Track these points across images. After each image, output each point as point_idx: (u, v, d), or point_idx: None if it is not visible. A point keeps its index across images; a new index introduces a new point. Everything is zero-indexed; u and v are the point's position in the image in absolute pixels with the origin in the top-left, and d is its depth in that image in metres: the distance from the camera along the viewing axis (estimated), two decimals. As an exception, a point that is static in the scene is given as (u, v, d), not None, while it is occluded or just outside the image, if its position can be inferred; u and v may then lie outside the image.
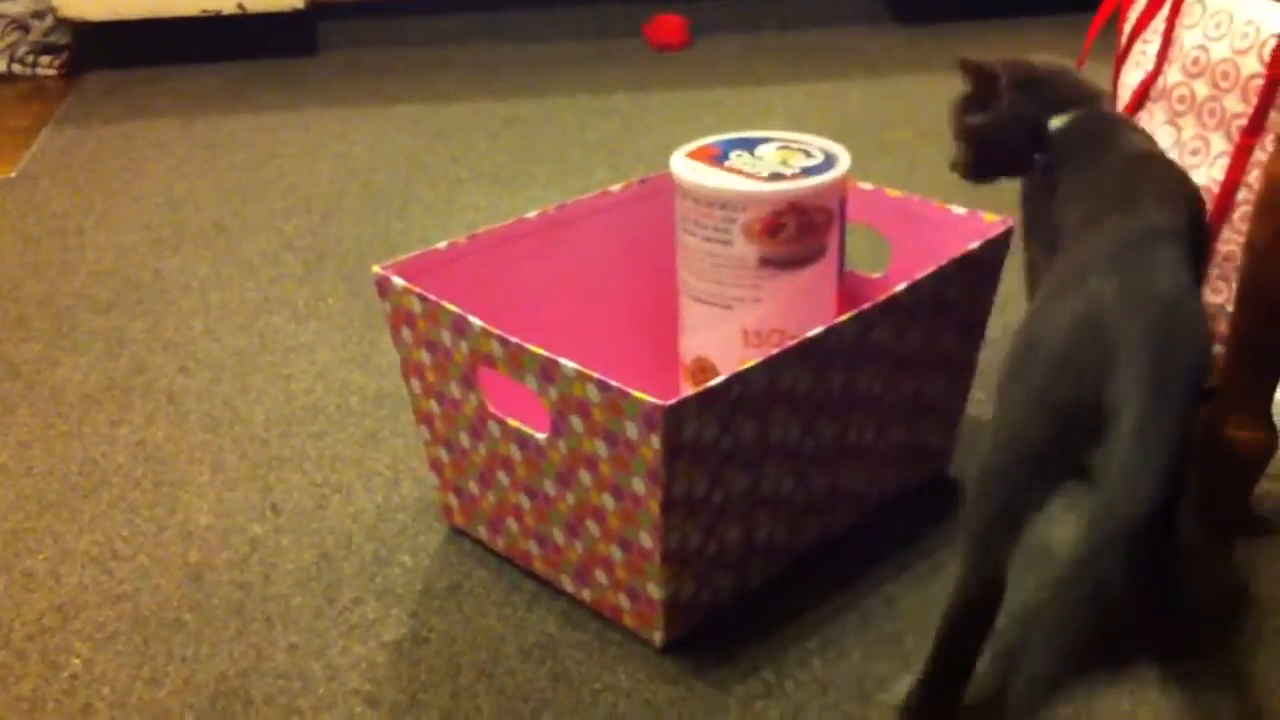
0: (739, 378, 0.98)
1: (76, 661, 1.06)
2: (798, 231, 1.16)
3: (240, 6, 2.55)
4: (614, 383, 0.96)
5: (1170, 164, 1.13)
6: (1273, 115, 1.21)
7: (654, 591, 1.03)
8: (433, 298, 1.08)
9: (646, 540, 1.00)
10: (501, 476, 1.11)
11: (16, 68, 2.65)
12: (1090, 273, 0.93)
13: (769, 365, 1.00)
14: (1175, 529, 1.08)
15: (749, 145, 1.23)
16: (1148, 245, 0.96)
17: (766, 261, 1.17)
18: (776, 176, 1.16)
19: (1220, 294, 1.26)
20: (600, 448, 0.99)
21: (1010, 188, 1.25)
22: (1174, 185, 1.06)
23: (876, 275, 1.31)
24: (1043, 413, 0.91)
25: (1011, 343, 0.96)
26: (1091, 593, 0.82)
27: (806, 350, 1.03)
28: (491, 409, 1.08)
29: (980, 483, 0.97)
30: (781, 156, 1.20)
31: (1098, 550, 0.82)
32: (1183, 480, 1.00)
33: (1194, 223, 1.03)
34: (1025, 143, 1.19)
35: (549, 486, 1.06)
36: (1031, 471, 0.93)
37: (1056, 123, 1.18)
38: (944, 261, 1.13)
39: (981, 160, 1.24)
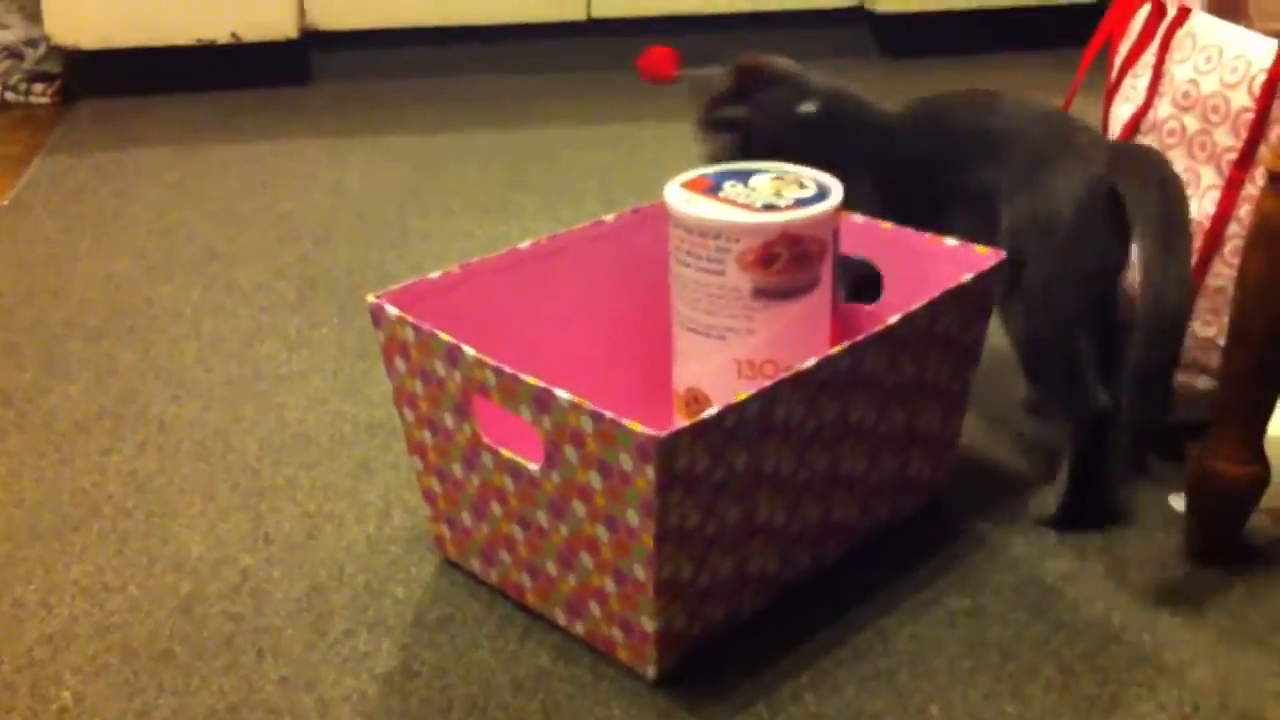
0: (732, 409, 0.98)
1: (66, 694, 1.05)
2: (791, 262, 1.16)
3: (234, 36, 2.56)
4: (608, 413, 0.96)
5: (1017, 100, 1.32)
6: (1263, 149, 1.22)
7: (647, 624, 1.02)
8: (426, 327, 1.08)
9: (640, 572, 1.00)
10: (494, 507, 1.10)
11: (9, 95, 2.65)
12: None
13: (762, 396, 1.00)
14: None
15: (742, 176, 1.23)
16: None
17: (760, 292, 1.17)
18: (770, 207, 1.17)
19: (1211, 327, 1.27)
20: (594, 479, 0.99)
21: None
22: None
23: (869, 307, 1.31)
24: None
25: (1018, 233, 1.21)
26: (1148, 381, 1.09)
27: (800, 382, 1.03)
28: (485, 439, 1.07)
29: (1047, 347, 1.22)
30: (775, 187, 1.20)
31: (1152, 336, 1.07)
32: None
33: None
34: (784, 130, 1.35)
35: (542, 518, 1.06)
36: (1080, 323, 1.21)
37: (807, 108, 1.34)
38: (937, 293, 1.13)
39: (749, 149, 1.35)
